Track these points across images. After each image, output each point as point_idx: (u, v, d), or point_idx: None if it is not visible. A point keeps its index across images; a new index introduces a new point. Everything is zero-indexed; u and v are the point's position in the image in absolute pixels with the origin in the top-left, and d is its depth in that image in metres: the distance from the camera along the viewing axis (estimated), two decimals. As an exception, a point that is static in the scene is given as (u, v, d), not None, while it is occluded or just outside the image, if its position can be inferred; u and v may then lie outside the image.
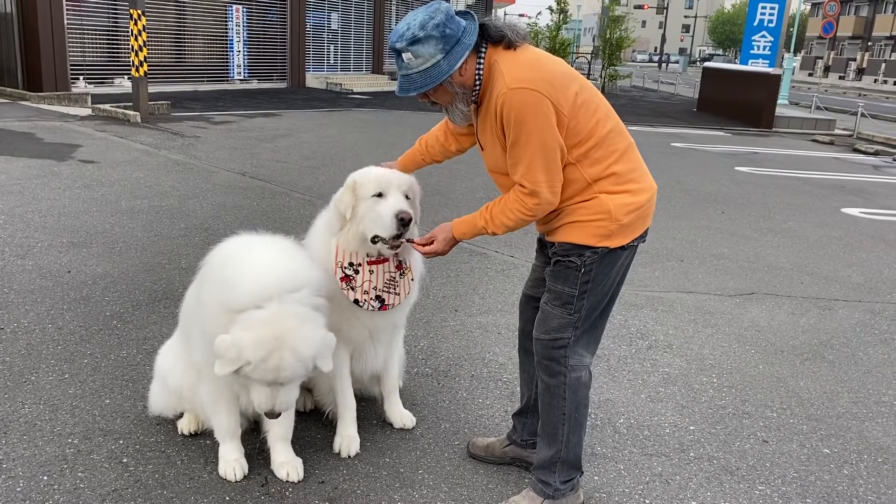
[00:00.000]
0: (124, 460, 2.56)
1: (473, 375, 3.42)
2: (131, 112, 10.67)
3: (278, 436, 2.53)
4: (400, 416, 2.89)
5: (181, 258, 4.79)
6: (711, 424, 3.12)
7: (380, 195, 2.42)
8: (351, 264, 2.48)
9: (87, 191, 6.36)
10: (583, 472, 2.49)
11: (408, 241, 2.44)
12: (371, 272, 2.50)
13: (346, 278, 2.48)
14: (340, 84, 18.65)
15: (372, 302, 2.51)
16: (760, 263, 5.69)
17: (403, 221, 2.36)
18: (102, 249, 4.85)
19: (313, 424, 2.87)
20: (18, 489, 2.37)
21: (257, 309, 2.11)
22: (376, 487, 2.50)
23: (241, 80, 17.55)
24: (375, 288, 2.50)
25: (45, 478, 2.44)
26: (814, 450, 2.97)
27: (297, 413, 2.74)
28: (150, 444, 2.67)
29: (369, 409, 2.98)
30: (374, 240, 2.42)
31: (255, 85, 17.70)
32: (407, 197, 2.46)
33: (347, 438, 2.69)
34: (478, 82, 2.15)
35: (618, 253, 2.23)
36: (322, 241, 2.54)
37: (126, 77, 14.57)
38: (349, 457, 2.66)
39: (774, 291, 5.01)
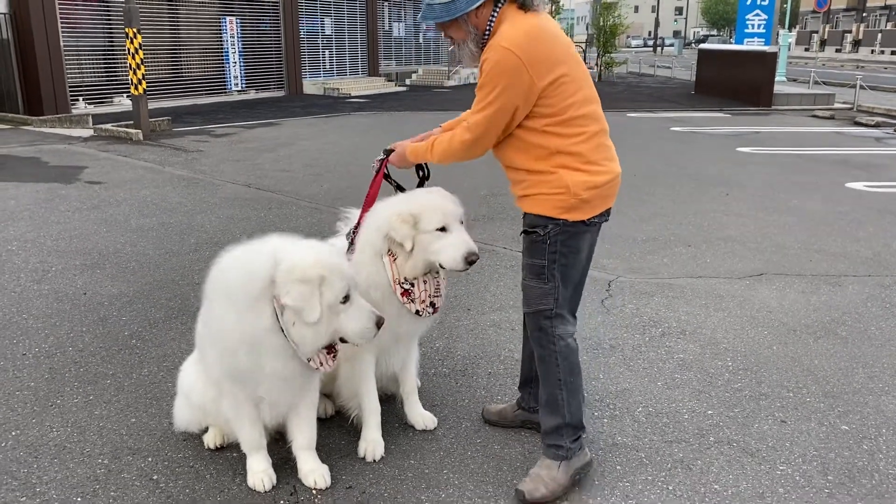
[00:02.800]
0: (154, 477, 2.61)
1: (490, 373, 3.46)
2: (133, 130, 10.74)
3: (303, 445, 2.58)
4: (422, 417, 2.94)
5: (193, 274, 4.84)
6: (729, 408, 3.15)
7: (443, 229, 2.52)
8: (406, 279, 2.57)
9: (96, 212, 6.42)
10: (585, 430, 2.63)
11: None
12: (425, 282, 2.61)
13: (406, 293, 2.58)
14: (338, 89, 18.68)
15: (427, 309, 2.62)
16: (768, 243, 5.70)
17: (471, 263, 2.51)
18: (116, 270, 4.90)
19: (336, 431, 2.91)
20: (54, 511, 2.42)
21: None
22: (403, 490, 2.54)
23: (238, 91, 17.59)
24: (430, 296, 2.62)
25: (79, 499, 2.49)
26: (832, 427, 3.00)
27: (319, 420, 2.78)
28: (179, 459, 2.72)
29: (391, 411, 3.02)
30: (442, 266, 2.53)
31: (253, 95, 17.74)
32: (461, 222, 2.58)
33: (373, 443, 2.74)
34: (488, 30, 2.37)
35: (579, 227, 2.42)
36: (370, 260, 2.58)
37: (125, 95, 14.61)
38: (374, 461, 2.70)
39: (784, 271, 5.03)
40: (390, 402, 3.07)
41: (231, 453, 2.74)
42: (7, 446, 2.79)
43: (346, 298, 2.28)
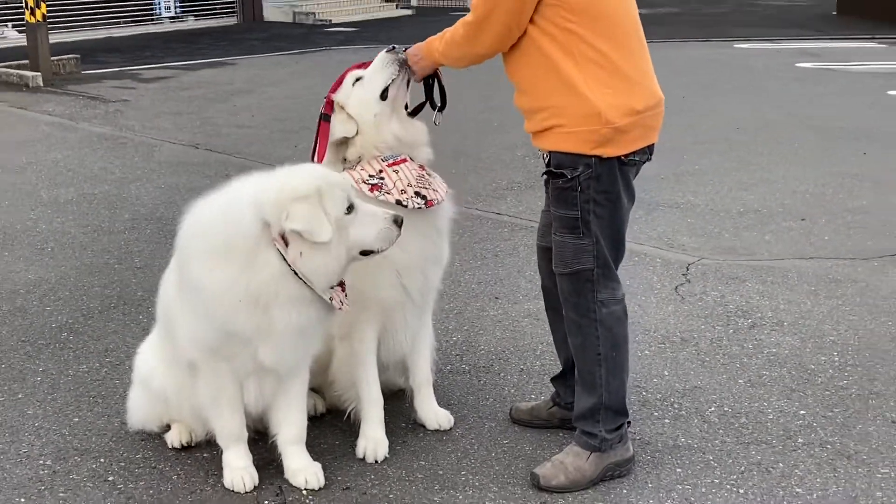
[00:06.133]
0: (110, 479, 3.25)
1: (522, 370, 4.06)
2: (29, 73, 11.49)
3: (290, 438, 3.19)
4: (435, 414, 3.54)
5: (133, 256, 5.50)
6: (828, 408, 3.72)
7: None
8: (371, 176, 3.19)
9: (-9, 181, 7.12)
10: (630, 421, 3.20)
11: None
12: (396, 172, 3.21)
13: (375, 187, 3.17)
14: (314, 13, 19.40)
15: (414, 199, 3.17)
16: (912, 216, 6.24)
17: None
18: (29, 251, 5.58)
19: (328, 430, 3.54)
20: (-5, 512, 3.06)
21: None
22: (412, 491, 3.16)
23: (171, 18, 18.38)
24: (410, 185, 3.19)
25: (23, 500, 3.13)
26: (956, 428, 3.56)
27: (309, 418, 3.38)
28: (137, 460, 3.36)
29: (397, 410, 3.63)
30: (412, 113, 3.32)
31: (191, 24, 18.51)
32: None
33: (373, 441, 3.34)
34: None
35: (615, 166, 2.95)
36: None
37: (10, 25, 15.45)
38: (376, 462, 3.31)
39: (928, 250, 5.58)
40: (396, 399, 3.69)
41: (201, 453, 3.37)
42: (-73, 446, 3.44)
43: (351, 208, 2.89)
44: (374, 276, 3.21)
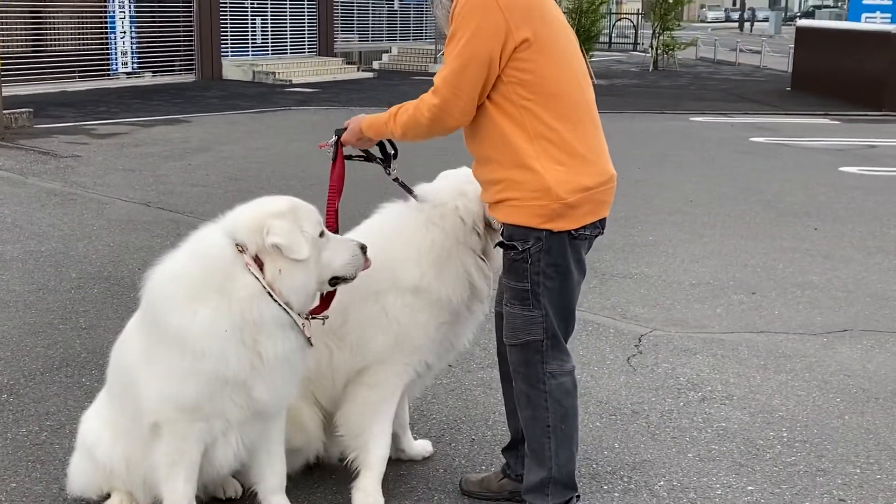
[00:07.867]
0: (46, 547, 3.19)
1: (474, 440, 4.07)
2: (-21, 126, 11.43)
3: (273, 487, 3.29)
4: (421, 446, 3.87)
5: (78, 316, 5.45)
6: (775, 484, 3.77)
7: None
8: None
9: (-64, 235, 7.05)
10: (579, 496, 3.21)
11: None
12: None
13: None
14: (273, 73, 19.57)
15: None
16: (861, 293, 6.39)
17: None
18: (-29, 309, 5.51)
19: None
20: (-77, 581, 2.99)
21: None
22: (357, 564, 3.13)
23: (128, 73, 18.43)
24: None
25: (-47, 569, 3.06)
26: (901, 506, 3.62)
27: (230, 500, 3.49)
28: (75, 529, 3.30)
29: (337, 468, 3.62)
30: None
31: (148, 80, 18.57)
32: None
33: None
34: None
35: (565, 240, 3.02)
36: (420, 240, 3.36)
37: (-37, 76, 15.37)
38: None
39: (876, 327, 5.70)
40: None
41: (140, 522, 3.33)
42: None
43: (322, 234, 3.04)
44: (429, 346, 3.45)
